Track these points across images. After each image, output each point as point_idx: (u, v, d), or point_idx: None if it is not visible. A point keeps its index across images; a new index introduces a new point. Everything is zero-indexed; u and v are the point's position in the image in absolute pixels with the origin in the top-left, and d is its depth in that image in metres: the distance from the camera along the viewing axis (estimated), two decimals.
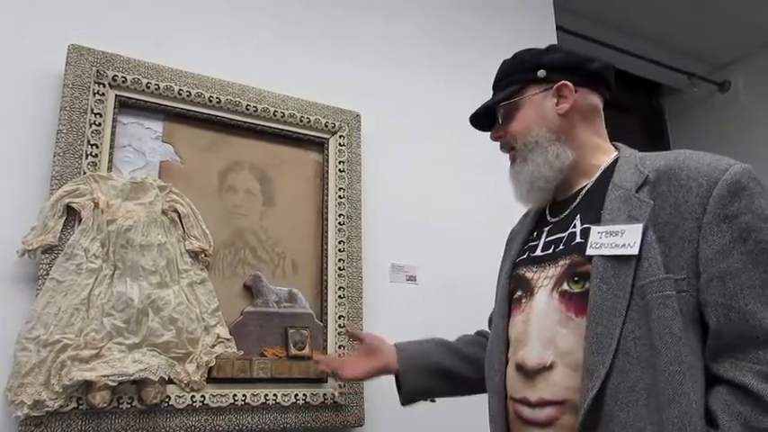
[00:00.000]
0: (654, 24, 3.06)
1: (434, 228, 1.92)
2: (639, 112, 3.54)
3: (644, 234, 0.92)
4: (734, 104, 3.32)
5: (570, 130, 1.11)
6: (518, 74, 1.15)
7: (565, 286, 1.00)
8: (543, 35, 2.31)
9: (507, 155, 1.20)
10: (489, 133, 1.21)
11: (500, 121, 1.17)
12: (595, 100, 1.15)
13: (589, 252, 0.97)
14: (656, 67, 3.15)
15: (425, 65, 2.09)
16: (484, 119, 1.21)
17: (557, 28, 2.50)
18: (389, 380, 1.70)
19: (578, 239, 1.02)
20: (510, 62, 1.19)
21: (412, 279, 1.85)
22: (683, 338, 0.87)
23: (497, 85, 1.20)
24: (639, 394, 0.88)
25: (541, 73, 1.12)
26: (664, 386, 0.86)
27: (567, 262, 1.01)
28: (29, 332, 1.25)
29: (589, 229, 1.00)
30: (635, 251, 0.92)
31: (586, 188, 1.10)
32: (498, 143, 1.21)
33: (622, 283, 0.92)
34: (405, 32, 2.08)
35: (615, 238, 0.94)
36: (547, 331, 0.99)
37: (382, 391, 1.68)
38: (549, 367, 0.97)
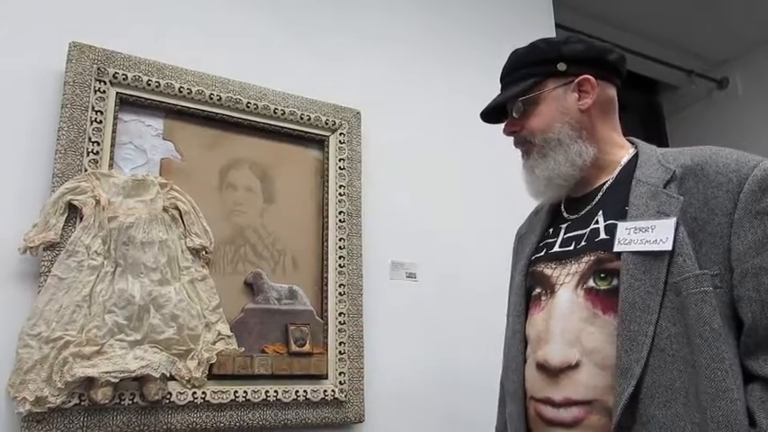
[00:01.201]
0: (652, 21, 3.06)
1: (434, 225, 1.93)
2: (638, 109, 3.55)
3: (676, 229, 0.91)
4: (732, 102, 3.33)
5: (591, 126, 1.09)
6: (536, 66, 1.10)
7: (591, 283, 0.98)
8: (542, 32, 2.31)
9: (520, 149, 1.16)
10: (502, 127, 1.16)
11: (514, 115, 1.12)
12: (612, 93, 1.12)
13: (617, 248, 0.95)
14: (655, 65, 3.15)
15: (425, 62, 2.09)
16: (493, 111, 1.17)
17: (555, 25, 2.50)
18: (389, 377, 1.71)
19: (603, 236, 1.00)
20: (526, 52, 1.14)
21: (412, 276, 1.85)
22: (722, 335, 0.86)
23: (511, 76, 1.14)
24: (678, 393, 0.86)
25: (561, 66, 1.08)
26: (706, 384, 0.84)
27: (593, 258, 0.99)
28: (31, 329, 1.25)
29: (615, 224, 0.98)
30: (668, 247, 0.90)
31: (607, 184, 1.07)
32: (512, 138, 1.16)
33: (654, 280, 0.90)
34: (404, 30, 2.09)
35: (645, 233, 0.93)
36: (572, 329, 0.97)
37: (383, 387, 1.69)
38: (575, 366, 0.94)
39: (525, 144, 1.13)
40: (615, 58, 1.11)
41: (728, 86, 3.36)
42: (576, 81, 1.08)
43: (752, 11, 2.97)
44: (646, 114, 3.58)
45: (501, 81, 1.17)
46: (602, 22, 2.99)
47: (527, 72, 1.11)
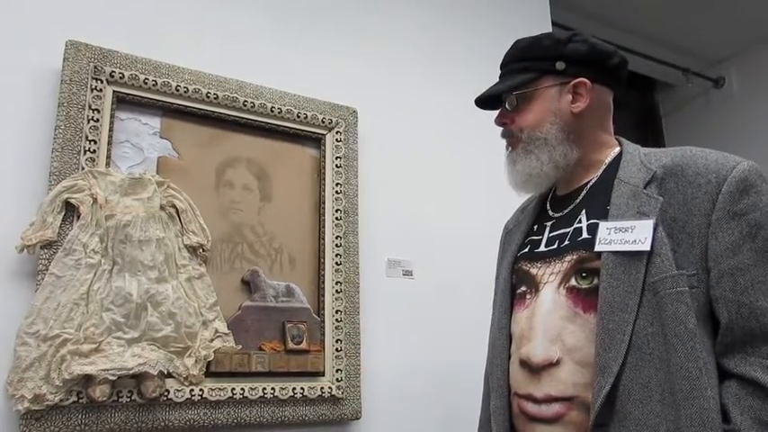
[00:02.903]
0: (648, 20, 3.07)
1: (431, 223, 1.94)
2: (634, 107, 3.56)
3: (654, 230, 0.92)
4: (728, 100, 3.34)
5: (580, 129, 1.09)
6: (536, 61, 1.10)
7: (572, 282, 0.99)
8: (539, 31, 2.30)
9: (506, 139, 1.16)
10: (493, 117, 1.16)
11: (507, 107, 1.13)
12: (609, 98, 1.12)
13: (598, 248, 0.96)
14: (651, 63, 3.16)
15: (421, 61, 2.10)
16: (489, 98, 1.16)
17: (552, 23, 2.51)
18: (386, 374, 1.72)
19: (585, 235, 1.01)
20: (528, 45, 1.13)
21: (408, 274, 1.86)
22: (697, 334, 0.87)
23: (509, 67, 1.14)
24: (654, 391, 0.88)
25: (560, 65, 1.08)
26: (680, 383, 0.86)
27: (575, 257, 1.00)
28: (28, 327, 1.25)
29: (596, 224, 0.99)
30: (647, 247, 0.91)
31: (591, 183, 1.08)
32: (500, 128, 1.16)
33: (633, 279, 0.91)
34: (401, 28, 2.09)
35: (625, 233, 0.94)
36: (553, 327, 0.98)
37: (379, 384, 1.70)
38: (556, 363, 0.96)
39: (511, 137, 1.14)
40: (616, 62, 1.11)
41: (724, 85, 3.37)
42: (572, 83, 1.08)
43: (748, 10, 2.97)
44: (642, 113, 3.59)
45: (501, 68, 1.17)
46: (599, 21, 3.00)
47: (526, 65, 1.11)
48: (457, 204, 2.01)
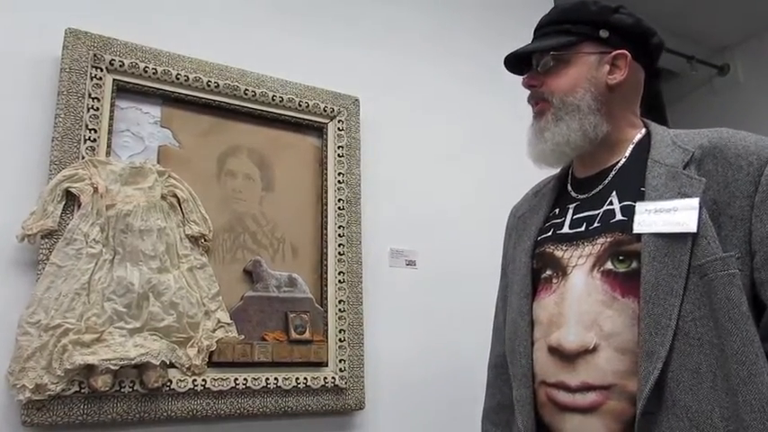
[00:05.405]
0: (652, 7, 3.04)
1: (433, 212, 1.92)
2: None
3: (699, 211, 0.89)
4: (733, 88, 3.32)
5: (612, 104, 1.05)
6: (579, 25, 1.06)
7: (608, 265, 0.95)
8: (541, 13, 2.29)
9: (533, 107, 1.11)
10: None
11: (539, 69, 1.08)
12: (642, 76, 1.10)
13: (638, 229, 0.92)
14: None
15: (424, 50, 2.08)
16: (517, 60, 1.12)
17: None
18: (389, 364, 1.71)
19: (619, 217, 0.97)
20: (572, 8, 1.08)
21: (411, 264, 1.85)
22: (750, 317, 0.85)
23: (548, 28, 1.10)
24: (704, 376, 0.84)
25: (604, 33, 1.04)
26: (736, 367, 0.82)
27: (609, 240, 0.96)
28: (30, 317, 1.25)
29: (631, 206, 0.95)
30: (693, 228, 0.88)
31: (620, 164, 1.05)
32: (529, 90, 1.11)
33: (678, 262, 0.88)
34: (404, 17, 2.07)
35: (667, 215, 0.90)
36: (588, 312, 0.94)
37: (382, 374, 1.70)
38: (593, 350, 0.92)
39: (540, 102, 1.09)
40: (656, 42, 1.08)
41: (729, 73, 3.34)
42: (613, 54, 1.05)
43: None
44: (646, 100, 3.56)
45: (535, 32, 1.13)
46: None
47: (567, 28, 1.07)
48: (460, 193, 1.99)
